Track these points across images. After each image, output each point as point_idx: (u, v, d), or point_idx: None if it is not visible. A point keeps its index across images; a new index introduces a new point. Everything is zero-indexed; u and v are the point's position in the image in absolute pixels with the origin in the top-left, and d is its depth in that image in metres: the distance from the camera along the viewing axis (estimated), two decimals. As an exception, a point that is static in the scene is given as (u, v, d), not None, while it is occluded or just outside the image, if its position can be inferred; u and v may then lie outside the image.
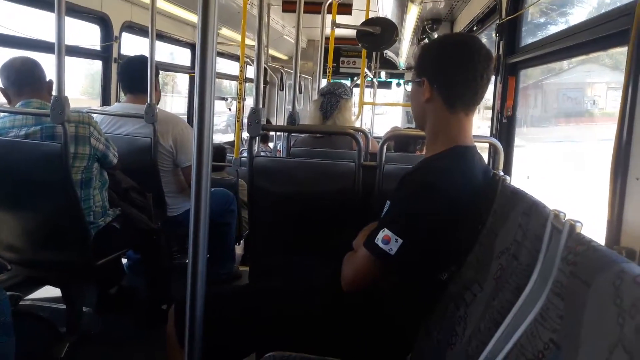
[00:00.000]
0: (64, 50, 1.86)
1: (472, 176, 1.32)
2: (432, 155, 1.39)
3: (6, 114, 2.11)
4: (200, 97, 0.92)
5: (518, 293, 0.89)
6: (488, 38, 3.87)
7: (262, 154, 4.34)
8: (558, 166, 2.92)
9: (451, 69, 1.34)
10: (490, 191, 1.31)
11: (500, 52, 2.70)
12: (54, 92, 1.87)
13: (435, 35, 5.53)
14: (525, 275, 0.90)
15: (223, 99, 6.51)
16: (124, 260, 2.95)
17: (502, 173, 1.38)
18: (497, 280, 1.02)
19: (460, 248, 1.28)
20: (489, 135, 2.81)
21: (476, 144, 1.42)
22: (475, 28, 4.04)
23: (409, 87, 1.50)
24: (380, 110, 11.82)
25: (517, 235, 1.01)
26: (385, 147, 1.83)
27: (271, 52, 6.93)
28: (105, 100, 3.71)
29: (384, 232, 1.25)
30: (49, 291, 2.72)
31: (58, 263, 2.20)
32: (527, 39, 2.64)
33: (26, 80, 2.10)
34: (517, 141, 2.78)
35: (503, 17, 2.67)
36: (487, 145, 1.86)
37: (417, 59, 1.43)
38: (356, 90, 5.73)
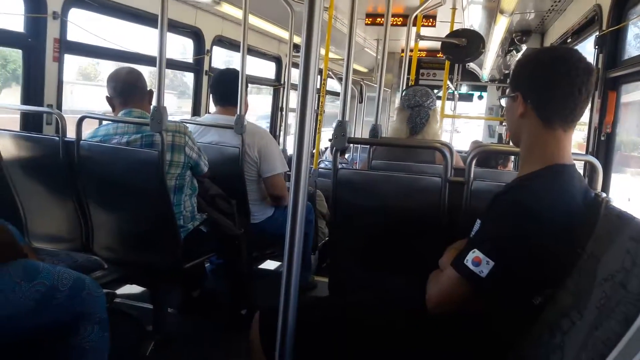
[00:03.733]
0: (164, 63, 1.98)
1: (571, 197, 1.25)
2: (527, 173, 1.33)
3: (110, 122, 2.28)
4: (301, 111, 0.95)
5: (627, 324, 0.83)
6: (583, 50, 3.67)
7: (339, 165, 4.36)
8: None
9: (546, 84, 1.28)
10: (591, 214, 1.24)
11: (599, 65, 2.55)
12: (154, 103, 1.99)
13: (524, 47, 5.32)
14: (635, 306, 0.84)
15: None
16: (207, 265, 3.07)
17: (604, 194, 1.29)
18: (601, 309, 0.96)
19: (556, 272, 1.21)
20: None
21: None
22: (569, 40, 3.85)
23: (504, 102, 1.45)
24: (459, 125, 11.55)
25: (625, 262, 0.94)
26: (473, 162, 1.77)
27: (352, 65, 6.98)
28: (196, 111, 3.90)
29: (475, 253, 1.21)
30: (134, 289, 2.87)
31: (150, 264, 2.33)
32: (631, 52, 2.48)
33: (130, 90, 2.27)
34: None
35: (604, 28, 2.53)
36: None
37: (512, 73, 1.39)
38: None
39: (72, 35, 2.86)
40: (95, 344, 1.66)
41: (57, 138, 2.31)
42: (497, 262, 1.19)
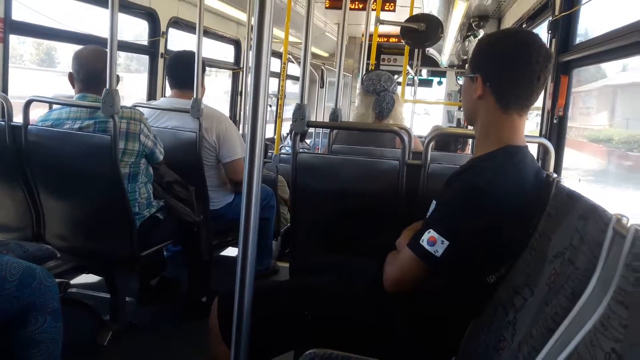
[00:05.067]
0: (115, 45, 1.91)
1: (523, 177, 1.28)
2: (481, 154, 1.35)
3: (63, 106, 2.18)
4: (254, 95, 0.92)
5: (574, 299, 0.85)
6: (537, 36, 3.75)
7: (300, 150, 4.35)
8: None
9: (507, 69, 1.29)
10: (542, 193, 1.27)
11: (552, 50, 2.61)
12: (107, 85, 1.91)
13: (482, 33, 5.40)
14: (582, 281, 0.86)
15: None
16: (165, 252, 3.02)
17: (555, 174, 1.33)
18: (551, 285, 0.98)
19: (509, 251, 1.24)
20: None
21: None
22: (524, 25, 3.92)
23: (461, 81, 1.46)
24: (422, 110, 11.69)
25: (573, 240, 0.97)
26: (430, 146, 1.79)
27: (312, 49, 6.94)
28: (152, 95, 3.80)
29: (430, 233, 1.23)
30: (91, 278, 2.80)
31: (104, 252, 2.27)
32: (581, 37, 2.55)
33: (91, 78, 2.13)
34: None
35: (557, 13, 2.58)
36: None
37: (473, 53, 1.38)
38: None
39: (18, 15, 2.71)
40: (48, 335, 1.60)
41: (2, 122, 2.20)
42: (452, 242, 1.20)
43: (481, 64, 1.34)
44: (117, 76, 2.02)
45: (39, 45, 3.99)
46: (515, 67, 1.28)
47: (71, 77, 2.18)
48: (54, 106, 2.25)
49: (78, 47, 2.23)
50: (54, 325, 1.62)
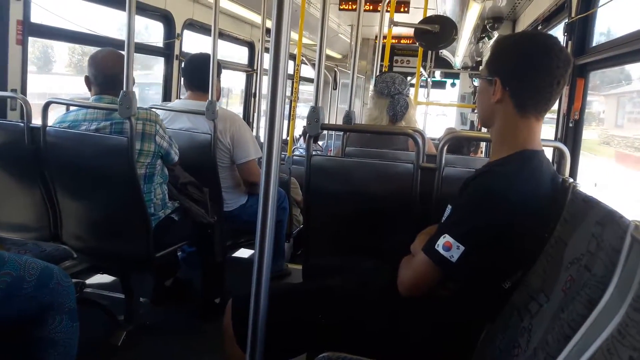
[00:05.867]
0: (133, 47, 1.92)
1: (539, 182, 1.27)
2: (497, 159, 1.34)
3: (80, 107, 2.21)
4: (272, 97, 0.93)
5: (591, 306, 0.85)
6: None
7: (313, 152, 4.37)
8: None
9: (528, 74, 1.27)
10: (559, 198, 1.26)
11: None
12: (123, 88, 1.93)
13: (496, 35, 5.37)
14: (599, 288, 0.85)
15: None
16: (179, 254, 3.04)
17: (571, 179, 1.32)
18: (567, 292, 0.98)
19: (525, 256, 1.24)
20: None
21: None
22: (540, 27, 3.89)
23: (476, 83, 1.44)
24: (440, 111, 11.63)
25: (590, 246, 0.96)
26: (445, 149, 1.79)
27: (326, 51, 6.95)
28: (167, 96, 3.83)
29: (445, 238, 1.22)
30: (106, 279, 2.82)
31: (120, 253, 2.29)
32: (599, 39, 2.52)
33: (106, 81, 2.16)
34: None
35: (573, 15, 2.56)
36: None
37: (491, 55, 1.36)
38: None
39: (36, 17, 2.76)
40: (64, 335, 1.62)
41: (22, 124, 2.24)
42: (467, 247, 1.20)
43: (500, 67, 1.32)
44: (133, 78, 2.04)
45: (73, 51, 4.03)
46: (536, 72, 1.26)
47: (87, 80, 2.21)
48: (71, 108, 2.28)
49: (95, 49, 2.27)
50: (70, 325, 1.64)
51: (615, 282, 0.81)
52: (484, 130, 1.45)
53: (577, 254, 1.00)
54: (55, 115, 2.30)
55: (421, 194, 1.80)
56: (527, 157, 1.29)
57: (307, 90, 7.80)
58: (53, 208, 2.33)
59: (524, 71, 1.27)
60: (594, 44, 2.54)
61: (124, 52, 1.93)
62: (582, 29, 2.56)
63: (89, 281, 2.79)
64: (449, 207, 1.34)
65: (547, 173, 1.29)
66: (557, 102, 2.73)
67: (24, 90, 2.65)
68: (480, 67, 1.45)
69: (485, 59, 1.44)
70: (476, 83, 1.45)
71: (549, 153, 1.82)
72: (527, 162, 1.29)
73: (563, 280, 1.01)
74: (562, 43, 2.70)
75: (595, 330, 0.79)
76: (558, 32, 3.02)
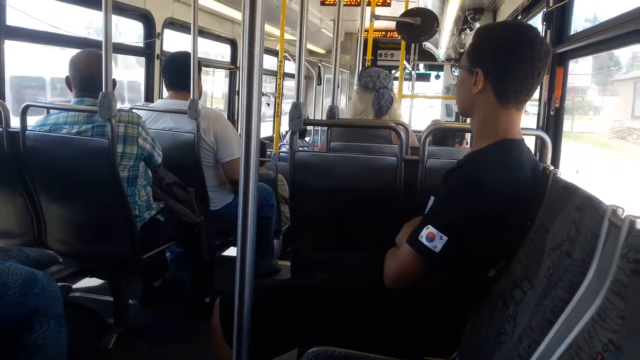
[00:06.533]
0: (110, 47, 1.90)
1: (520, 170, 1.28)
2: (478, 149, 1.35)
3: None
4: (247, 93, 0.92)
5: (572, 291, 0.86)
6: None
7: (300, 148, 4.37)
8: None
9: (510, 65, 1.27)
10: (539, 186, 1.27)
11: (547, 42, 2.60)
12: (103, 89, 1.91)
13: (477, 26, 5.40)
14: (580, 273, 0.86)
15: (263, 94, 6.55)
16: (167, 254, 3.02)
17: (552, 167, 1.33)
18: (549, 278, 0.99)
19: (508, 245, 1.25)
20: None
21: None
22: (520, 17, 3.92)
23: (457, 73, 1.44)
24: (427, 103, 11.67)
25: (570, 232, 0.97)
26: (427, 140, 1.80)
27: (309, 46, 6.94)
28: (149, 97, 3.79)
29: (428, 229, 1.23)
30: (94, 282, 2.80)
31: (106, 256, 2.27)
32: (576, 28, 2.54)
33: (86, 83, 2.13)
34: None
35: (551, 4, 2.58)
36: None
37: (472, 45, 1.35)
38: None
39: (12, 20, 2.71)
40: (52, 340, 1.61)
41: (0, 129, 2.20)
42: (450, 237, 1.21)
43: (481, 58, 1.31)
44: (114, 80, 2.02)
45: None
46: (518, 63, 1.27)
47: (68, 81, 2.18)
48: (52, 110, 2.25)
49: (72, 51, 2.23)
50: (58, 330, 1.62)
51: (595, 267, 0.82)
52: (468, 121, 1.45)
53: (559, 240, 1.01)
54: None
55: (405, 186, 1.80)
56: (507, 146, 1.30)
57: (292, 87, 7.78)
58: (36, 213, 2.30)
59: (506, 63, 1.28)
60: (571, 32, 2.56)
61: (102, 52, 1.91)
62: (560, 17, 2.58)
63: (77, 285, 2.76)
64: (432, 198, 1.35)
65: (528, 161, 1.31)
66: (538, 90, 2.77)
67: (1, 94, 2.61)
68: (461, 58, 1.44)
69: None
70: (456, 73, 1.44)
71: (531, 142, 1.84)
72: (508, 150, 1.30)
73: (546, 266, 1.03)
74: (541, 32, 2.73)
75: (577, 315, 0.80)
76: (537, 21, 3.04)
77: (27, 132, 2.13)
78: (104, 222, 2.18)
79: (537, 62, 1.26)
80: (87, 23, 3.41)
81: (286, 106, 5.06)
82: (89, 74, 2.12)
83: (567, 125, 2.71)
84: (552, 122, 2.57)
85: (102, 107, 1.91)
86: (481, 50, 1.33)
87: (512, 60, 1.27)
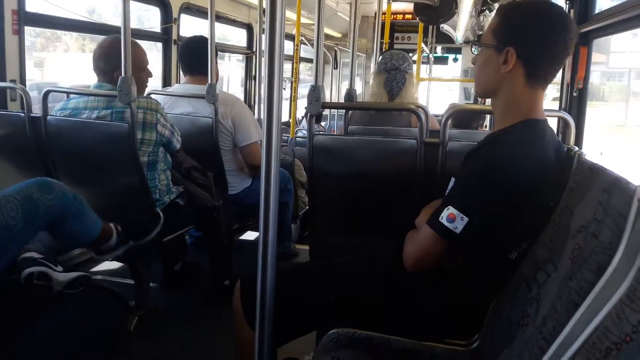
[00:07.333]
0: (129, 33, 1.91)
1: (544, 151, 1.25)
2: (499, 129, 1.33)
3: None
4: (269, 78, 0.92)
5: (599, 273, 0.84)
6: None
7: (316, 132, 4.35)
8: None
9: (544, 45, 1.24)
10: (564, 167, 1.25)
11: (571, 21, 2.53)
12: (122, 73, 1.92)
13: (496, 6, 5.28)
14: (607, 255, 0.85)
15: None
16: (187, 238, 3.05)
17: (576, 148, 1.30)
18: (574, 260, 0.97)
19: (531, 226, 1.23)
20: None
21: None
22: (541, -4, 3.83)
23: (476, 52, 1.38)
24: (446, 87, 11.53)
25: (596, 213, 0.95)
26: (448, 123, 1.77)
27: (325, 30, 6.88)
28: (167, 82, 3.81)
29: (449, 210, 1.21)
30: (115, 265, 2.85)
31: (127, 238, 2.30)
32: (602, 5, 2.46)
33: (104, 69, 2.15)
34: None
35: (575, -18, 2.51)
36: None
37: (500, 23, 1.30)
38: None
39: (31, 6, 2.73)
40: (77, 228, 1.88)
41: (22, 114, 2.23)
42: (471, 218, 1.19)
43: (515, 35, 1.26)
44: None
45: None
46: (552, 43, 1.24)
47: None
48: (72, 95, 2.27)
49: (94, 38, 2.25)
50: (79, 221, 1.89)
51: (623, 248, 0.80)
52: (487, 102, 1.42)
53: (584, 221, 1.00)
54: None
55: (425, 169, 1.79)
56: (531, 125, 1.28)
57: (306, 71, 7.74)
58: (58, 197, 2.33)
59: (541, 41, 1.24)
60: (596, 11, 2.49)
61: (121, 38, 1.91)
62: (584, -5, 2.51)
63: (98, 268, 2.82)
64: (452, 179, 1.33)
65: (551, 142, 1.28)
66: (561, 72, 2.71)
67: (22, 80, 2.64)
68: (483, 35, 1.38)
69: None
70: (476, 53, 1.39)
71: (553, 124, 1.81)
72: (532, 130, 1.27)
73: (570, 248, 1.01)
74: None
75: (604, 297, 0.79)
76: (561, 0, 2.96)
77: (48, 117, 2.16)
78: (125, 205, 2.21)
79: (570, 42, 1.24)
80: (107, 8, 3.41)
81: (301, 90, 5.06)
82: (110, 59, 2.13)
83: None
84: (575, 104, 2.51)
85: (121, 92, 1.93)
86: (514, 28, 1.28)
87: (547, 39, 1.24)
